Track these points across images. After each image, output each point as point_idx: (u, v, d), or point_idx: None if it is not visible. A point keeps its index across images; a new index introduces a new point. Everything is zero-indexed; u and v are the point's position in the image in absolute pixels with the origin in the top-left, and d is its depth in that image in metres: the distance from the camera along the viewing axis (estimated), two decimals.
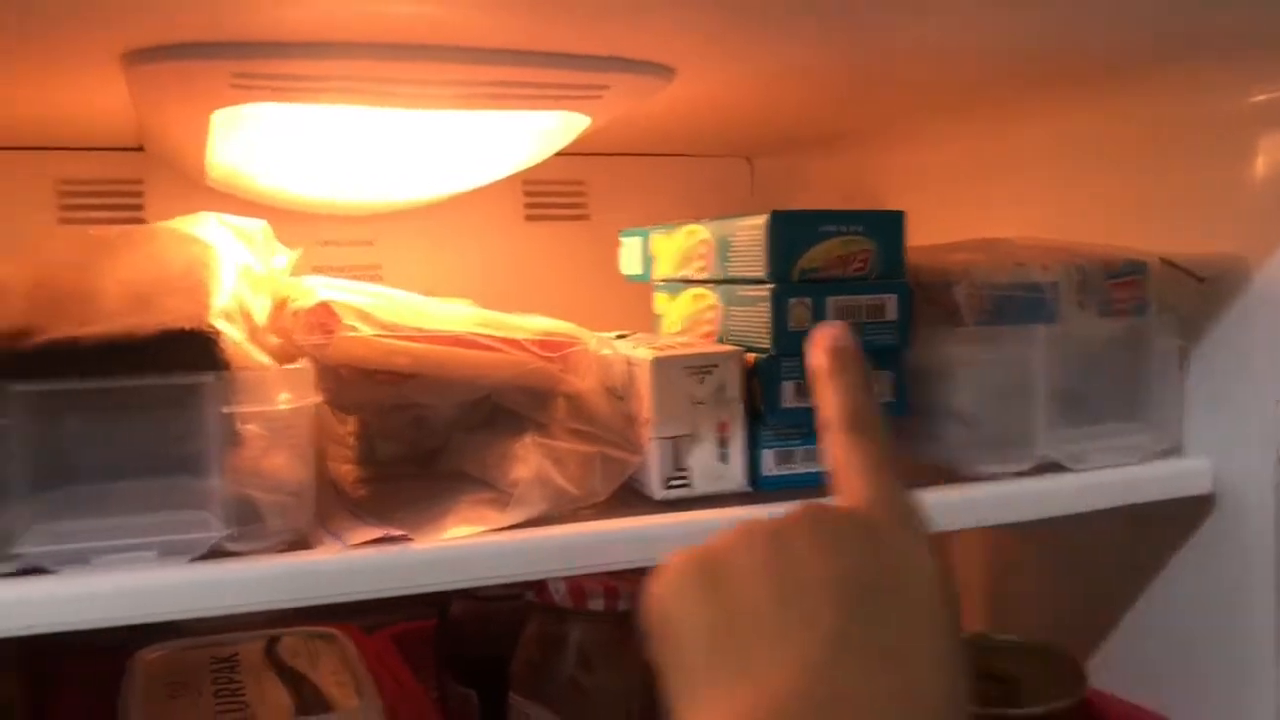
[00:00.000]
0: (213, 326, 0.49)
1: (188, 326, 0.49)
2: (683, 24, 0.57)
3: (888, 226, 0.64)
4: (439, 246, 1.01)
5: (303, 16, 0.53)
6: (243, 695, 0.69)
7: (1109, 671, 0.76)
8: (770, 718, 0.34)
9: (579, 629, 0.68)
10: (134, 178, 0.92)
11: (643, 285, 0.82)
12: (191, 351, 0.49)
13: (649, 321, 0.78)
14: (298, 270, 0.68)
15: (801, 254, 0.62)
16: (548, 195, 1.06)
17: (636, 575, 0.71)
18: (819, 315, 0.62)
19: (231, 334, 0.50)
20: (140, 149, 0.91)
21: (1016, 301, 0.65)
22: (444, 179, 0.78)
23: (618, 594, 0.68)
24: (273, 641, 0.78)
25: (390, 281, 0.72)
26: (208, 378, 0.49)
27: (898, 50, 0.63)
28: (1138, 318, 0.68)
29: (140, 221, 0.92)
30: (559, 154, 0.82)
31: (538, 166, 0.84)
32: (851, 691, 0.35)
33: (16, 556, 0.47)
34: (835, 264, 0.62)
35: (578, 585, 0.67)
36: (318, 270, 0.73)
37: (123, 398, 0.48)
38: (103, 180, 0.92)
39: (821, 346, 0.43)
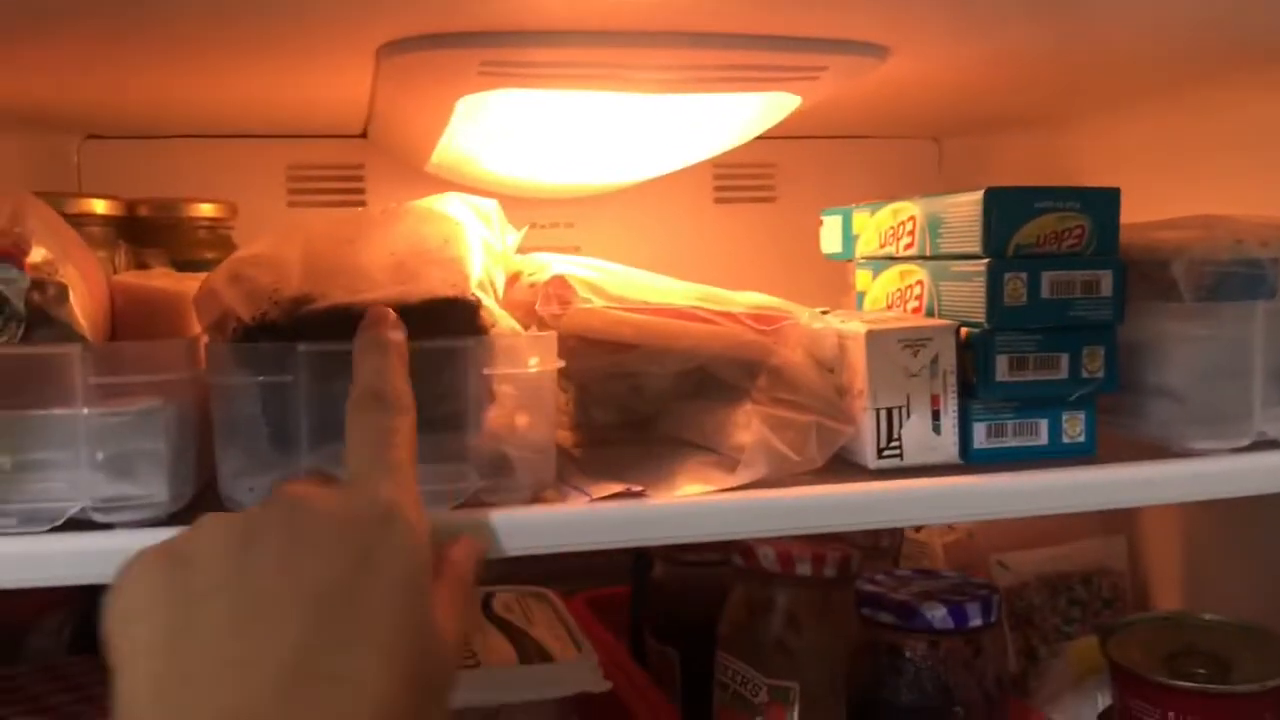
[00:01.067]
0: (475, 295, 0.54)
1: (452, 295, 0.53)
2: (904, 3, 0.59)
3: (1103, 203, 0.64)
4: (633, 228, 1.05)
5: (549, 6, 0.56)
6: (469, 644, 0.73)
7: None
8: None
9: (786, 593, 0.70)
10: (356, 163, 0.99)
11: (829, 265, 0.84)
12: (455, 318, 0.53)
13: (835, 300, 0.80)
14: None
15: (1017, 229, 0.63)
16: (737, 178, 1.09)
17: (839, 543, 0.73)
18: (1034, 290, 0.63)
19: (488, 302, 0.55)
20: (362, 136, 0.97)
21: (1235, 278, 0.64)
22: (655, 161, 0.81)
23: (824, 561, 0.70)
24: (488, 597, 0.83)
25: None
26: (469, 342, 0.53)
27: (1121, 28, 0.63)
28: None
29: (362, 204, 0.98)
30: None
31: (728, 150, 0.87)
32: (307, 706, 0.34)
33: None
34: (1049, 240, 0.63)
35: (786, 551, 0.70)
36: (523, 250, 0.78)
37: None
38: (328, 165, 0.99)
39: (364, 329, 0.45)
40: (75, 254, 0.58)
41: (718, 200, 1.09)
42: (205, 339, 0.57)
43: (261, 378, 0.51)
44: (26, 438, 0.50)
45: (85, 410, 0.50)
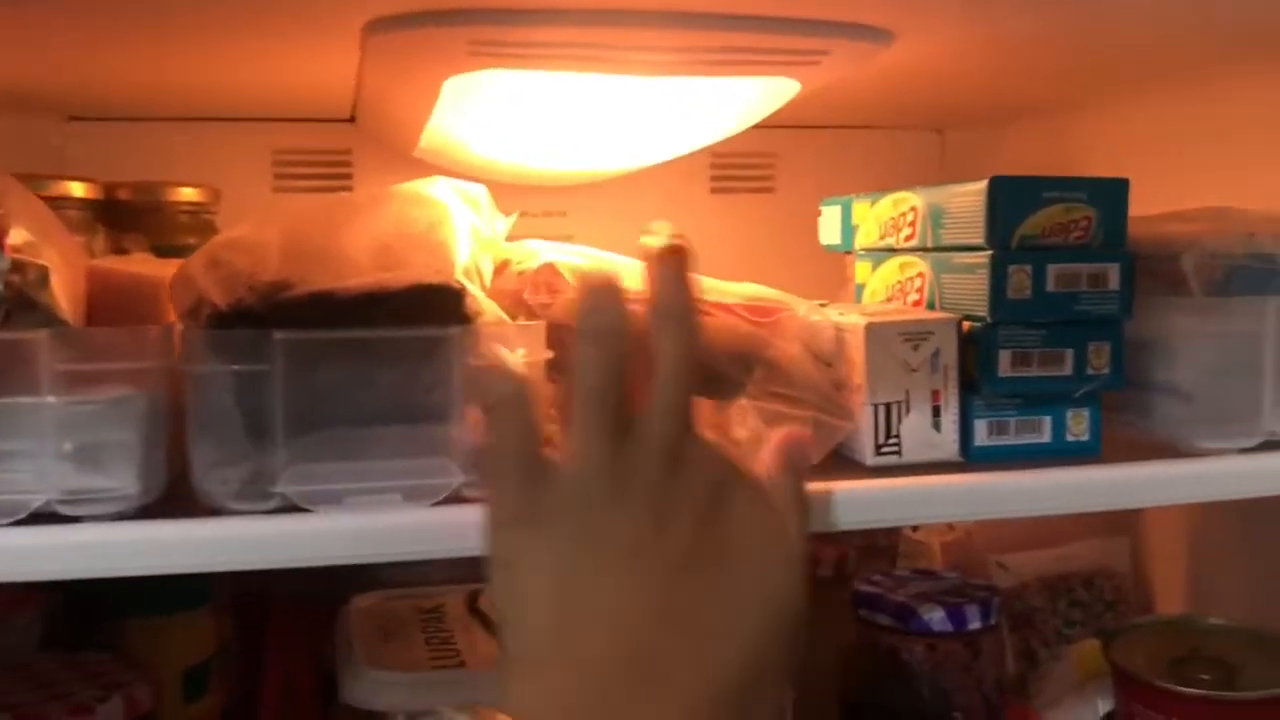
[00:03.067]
0: (460, 281, 0.52)
1: (436, 281, 0.51)
2: None
3: (1111, 194, 0.62)
4: (628, 217, 1.01)
5: None
6: (453, 643, 0.72)
7: None
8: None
9: None
10: (344, 148, 0.97)
11: (826, 258, 0.82)
12: (439, 305, 0.51)
13: (834, 293, 0.78)
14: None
15: (1022, 220, 0.61)
16: (735, 167, 1.07)
17: (834, 542, 0.72)
18: (1039, 283, 0.61)
19: (474, 290, 0.53)
20: (350, 120, 0.95)
21: (1247, 272, 0.63)
22: (649, 148, 0.79)
23: (818, 561, 0.68)
24: (474, 595, 0.81)
25: None
26: (454, 330, 0.51)
27: (1129, 10, 0.61)
28: None
29: (349, 189, 0.96)
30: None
31: (726, 139, 0.85)
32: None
33: (275, 495, 0.50)
34: (1056, 231, 0.61)
35: None
36: (514, 239, 0.76)
37: (374, 348, 0.51)
38: (315, 150, 0.97)
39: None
40: (55, 237, 0.56)
41: (714, 190, 1.07)
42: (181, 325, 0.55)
43: (236, 366, 0.49)
44: None
45: (52, 399, 0.48)
